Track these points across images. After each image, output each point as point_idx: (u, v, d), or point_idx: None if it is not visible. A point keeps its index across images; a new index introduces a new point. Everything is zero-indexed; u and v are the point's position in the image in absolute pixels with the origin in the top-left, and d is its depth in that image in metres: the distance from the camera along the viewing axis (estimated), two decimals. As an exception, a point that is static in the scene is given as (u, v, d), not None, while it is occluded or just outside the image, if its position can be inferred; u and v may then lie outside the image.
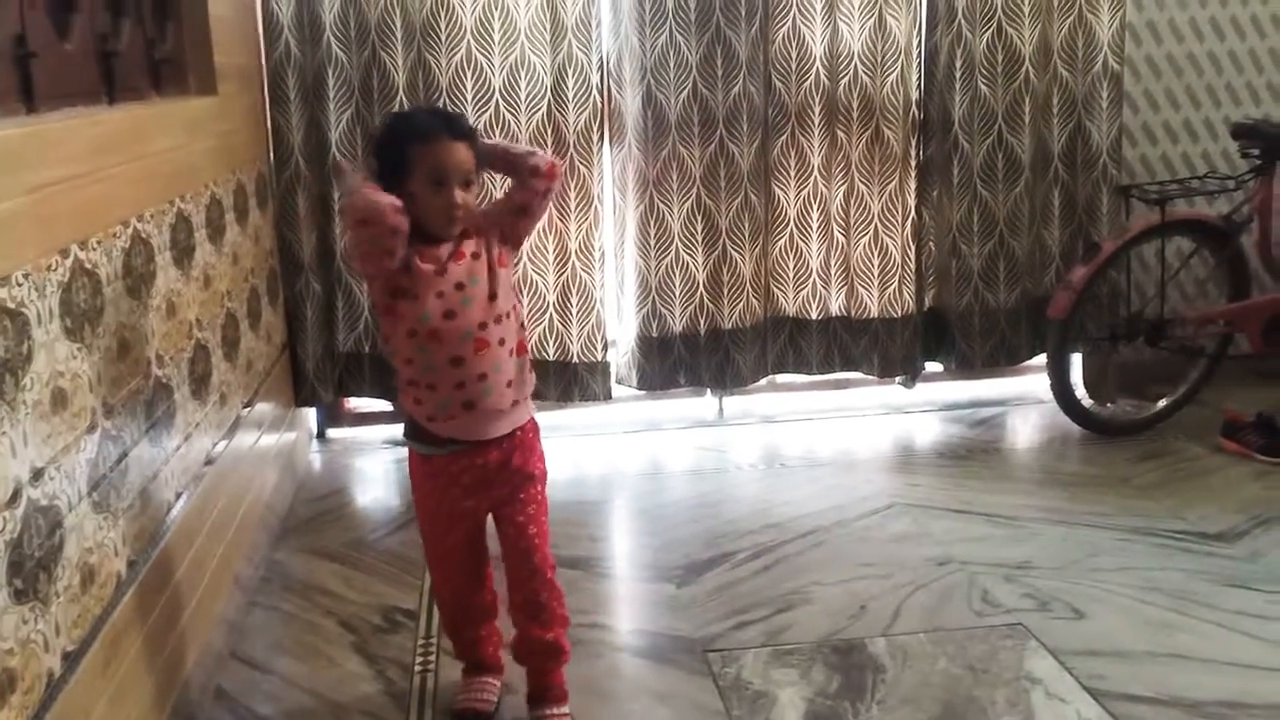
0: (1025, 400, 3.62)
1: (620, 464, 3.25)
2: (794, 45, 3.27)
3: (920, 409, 3.59)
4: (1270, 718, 1.90)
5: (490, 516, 1.94)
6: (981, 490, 2.93)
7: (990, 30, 3.28)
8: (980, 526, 2.71)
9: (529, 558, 1.89)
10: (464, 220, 1.80)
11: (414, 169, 1.76)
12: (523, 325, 1.90)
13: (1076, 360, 3.53)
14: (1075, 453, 3.21)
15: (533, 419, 1.92)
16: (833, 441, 3.36)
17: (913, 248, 3.42)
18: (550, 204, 1.97)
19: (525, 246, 1.94)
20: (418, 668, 2.16)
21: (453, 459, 1.86)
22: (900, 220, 3.38)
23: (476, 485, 1.87)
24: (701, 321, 3.38)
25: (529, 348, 1.93)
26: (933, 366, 3.60)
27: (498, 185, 2.92)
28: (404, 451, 1.88)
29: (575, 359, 3.32)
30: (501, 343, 1.82)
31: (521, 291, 3.17)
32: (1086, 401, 3.41)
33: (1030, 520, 2.73)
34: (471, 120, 2.38)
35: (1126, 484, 2.95)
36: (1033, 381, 3.57)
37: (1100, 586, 2.38)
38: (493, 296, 1.81)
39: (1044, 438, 3.37)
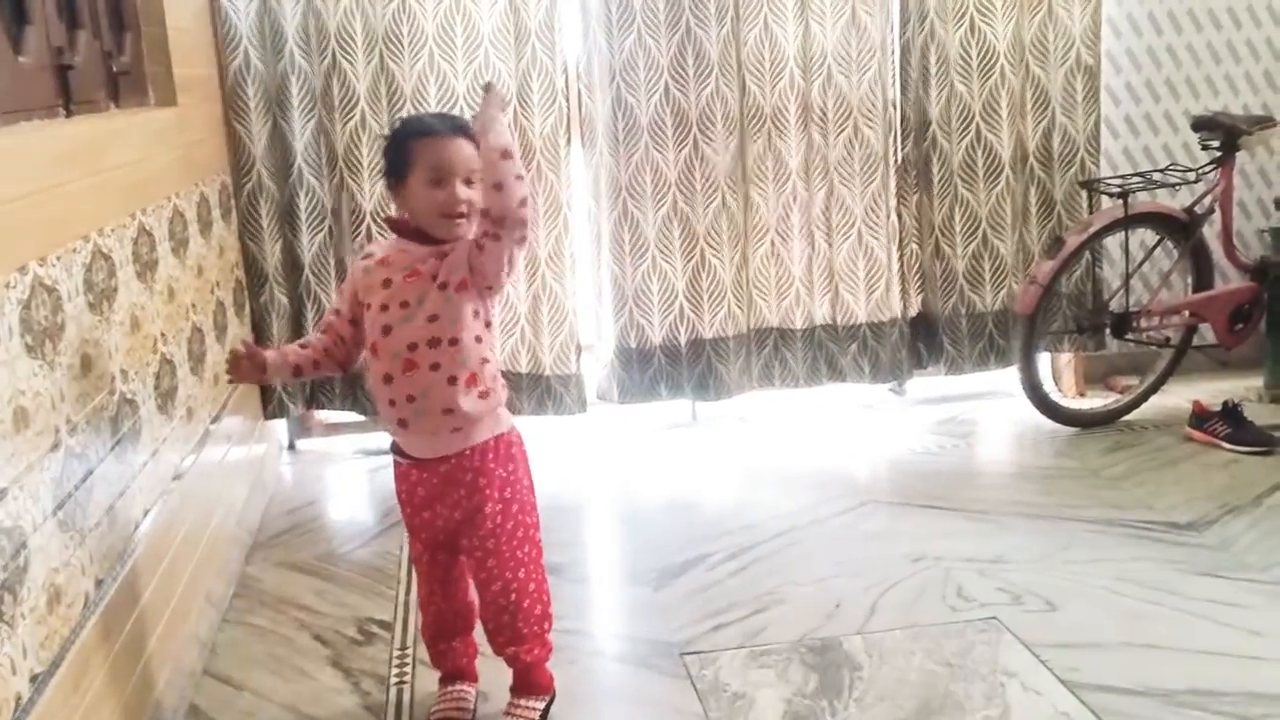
0: (995, 394, 3.63)
1: (594, 467, 3.24)
2: (766, 45, 3.24)
3: (891, 405, 3.60)
4: (1243, 705, 1.91)
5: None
6: (953, 485, 2.95)
7: (963, 26, 3.28)
8: (952, 522, 2.72)
9: (488, 588, 1.89)
10: (468, 221, 1.75)
11: (414, 164, 1.74)
12: (485, 360, 1.79)
13: (1045, 354, 3.56)
14: (1045, 446, 3.23)
15: (496, 439, 1.83)
16: (805, 439, 3.36)
17: (896, 250, 3.41)
18: (511, 252, 1.75)
19: (505, 280, 1.81)
20: (394, 679, 2.14)
21: (410, 469, 1.86)
22: (885, 222, 3.37)
23: (431, 498, 1.86)
24: (682, 331, 3.35)
25: (499, 359, 1.88)
26: (923, 373, 3.59)
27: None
28: (376, 461, 1.86)
29: (548, 371, 3.29)
30: (436, 368, 1.75)
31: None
32: (1055, 395, 3.44)
33: (1002, 514, 2.75)
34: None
35: (1096, 476, 2.97)
36: (1002, 376, 3.59)
37: (1073, 579, 2.39)
38: (433, 318, 1.75)
39: (1014, 431, 3.39)
